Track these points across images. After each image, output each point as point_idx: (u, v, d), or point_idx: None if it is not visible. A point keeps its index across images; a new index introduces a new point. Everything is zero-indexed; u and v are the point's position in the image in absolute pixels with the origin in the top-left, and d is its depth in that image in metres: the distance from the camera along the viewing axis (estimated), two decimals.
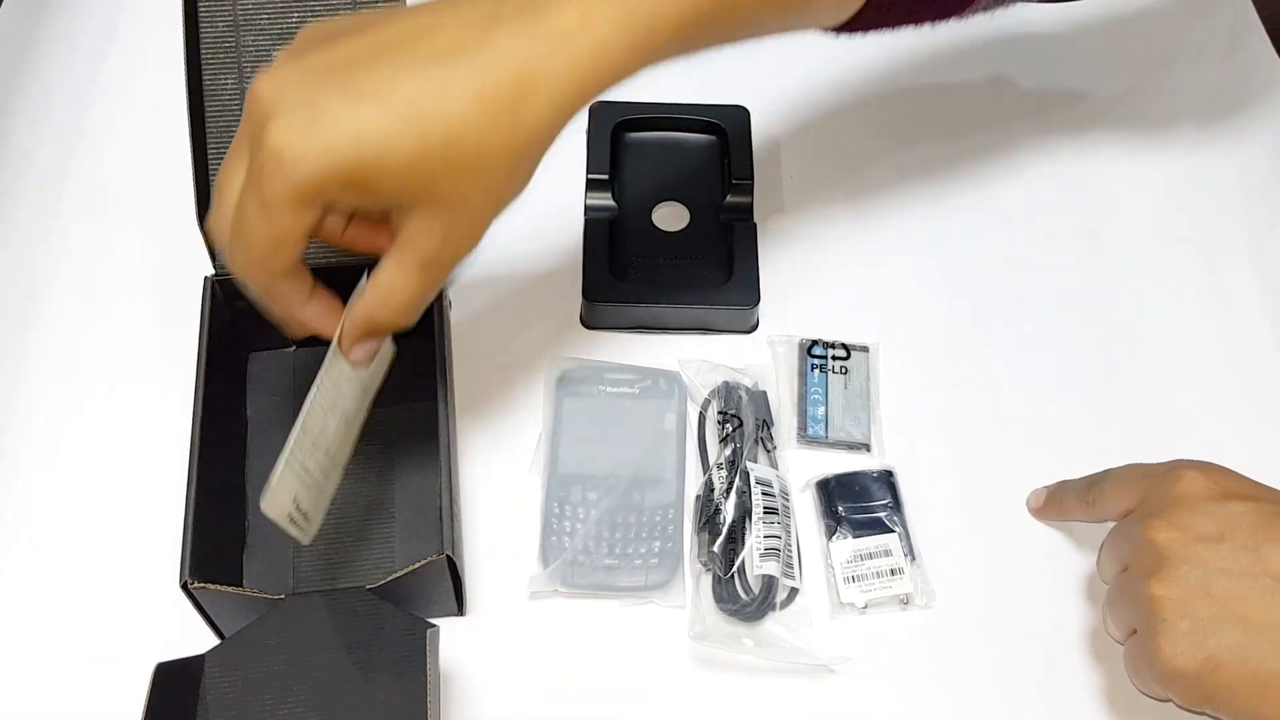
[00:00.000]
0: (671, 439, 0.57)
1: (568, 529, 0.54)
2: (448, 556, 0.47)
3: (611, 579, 0.54)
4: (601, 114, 0.67)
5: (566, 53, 0.43)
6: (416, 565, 0.47)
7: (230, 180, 0.44)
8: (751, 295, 0.61)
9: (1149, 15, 0.77)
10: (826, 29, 0.54)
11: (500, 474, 0.57)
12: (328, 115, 0.41)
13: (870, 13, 0.53)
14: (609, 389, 0.58)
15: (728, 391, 0.58)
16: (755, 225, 0.64)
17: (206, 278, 0.54)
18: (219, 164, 0.53)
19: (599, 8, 0.43)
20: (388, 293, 0.46)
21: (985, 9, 0.60)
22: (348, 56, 0.42)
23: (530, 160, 0.45)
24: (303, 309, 0.46)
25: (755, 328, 0.62)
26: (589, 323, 0.62)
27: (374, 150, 0.41)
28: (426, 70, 0.42)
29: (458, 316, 0.61)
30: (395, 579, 0.47)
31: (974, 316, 0.63)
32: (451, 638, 0.51)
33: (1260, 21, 0.74)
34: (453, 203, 0.43)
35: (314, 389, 0.46)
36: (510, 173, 0.44)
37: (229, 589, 0.46)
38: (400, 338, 0.57)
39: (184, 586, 0.46)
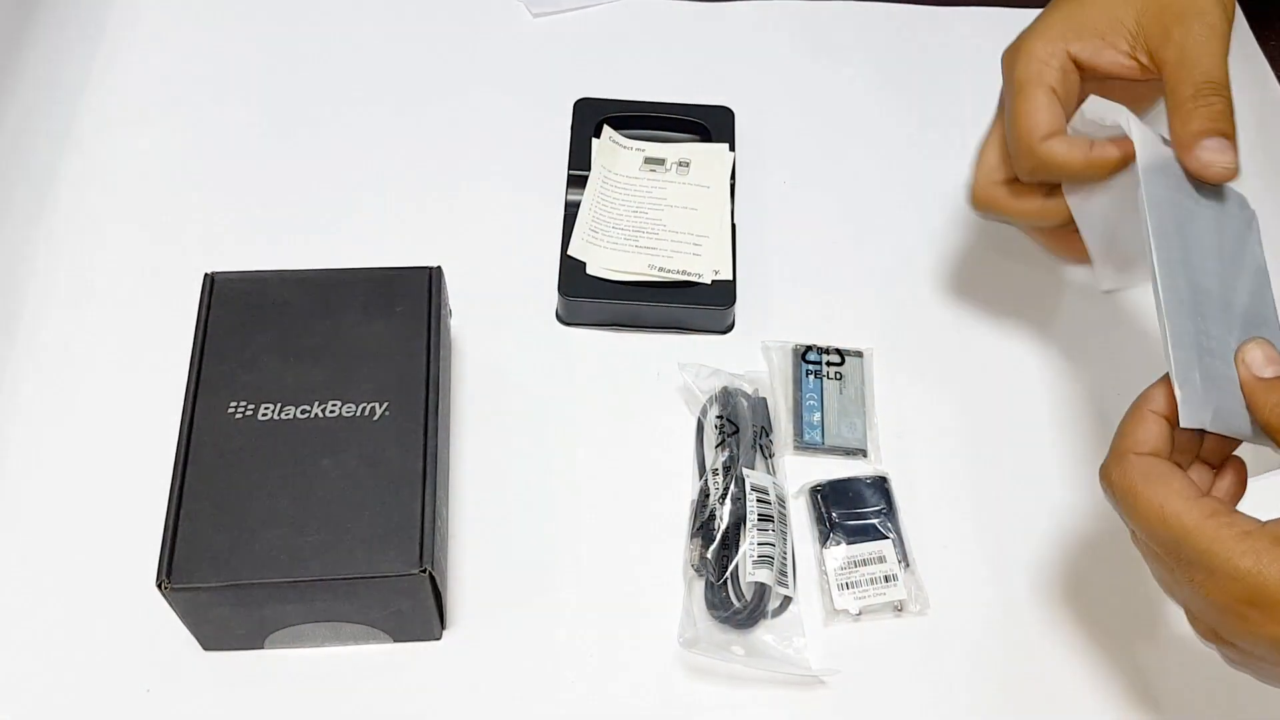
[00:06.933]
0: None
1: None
2: (430, 574, 0.47)
3: None
4: (585, 111, 0.67)
5: None
6: (395, 574, 0.47)
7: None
8: (726, 296, 0.61)
9: None
10: None
11: (489, 486, 0.57)
12: None
13: None
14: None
15: (726, 397, 0.58)
16: (734, 225, 0.63)
17: (206, 274, 0.54)
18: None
19: None
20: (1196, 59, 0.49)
21: None
22: None
23: None
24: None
25: (731, 328, 0.62)
26: (564, 319, 0.62)
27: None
28: None
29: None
30: (371, 577, 0.47)
31: (969, 321, 0.63)
32: (435, 654, 0.51)
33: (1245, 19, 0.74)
34: None
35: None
36: None
37: (210, 585, 0.46)
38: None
39: (160, 586, 0.46)
